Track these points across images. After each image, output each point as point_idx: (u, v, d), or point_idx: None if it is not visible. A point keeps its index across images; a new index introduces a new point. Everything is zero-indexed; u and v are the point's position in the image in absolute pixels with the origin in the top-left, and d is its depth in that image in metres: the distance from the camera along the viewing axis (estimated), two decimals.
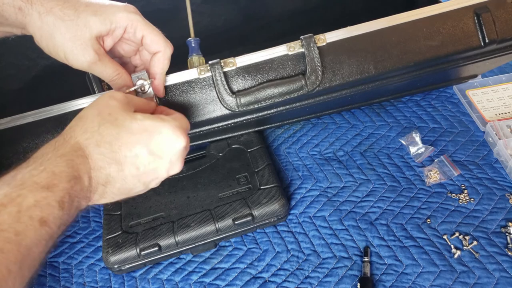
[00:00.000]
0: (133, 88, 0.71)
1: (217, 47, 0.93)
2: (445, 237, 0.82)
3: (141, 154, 0.60)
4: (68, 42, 0.63)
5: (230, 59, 0.77)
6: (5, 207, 0.48)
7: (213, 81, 0.77)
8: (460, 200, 0.87)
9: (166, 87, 0.76)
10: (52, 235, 0.51)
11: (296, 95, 0.79)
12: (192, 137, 0.87)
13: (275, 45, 0.79)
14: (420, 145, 0.96)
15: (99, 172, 0.57)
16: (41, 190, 0.50)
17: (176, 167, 0.65)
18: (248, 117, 0.85)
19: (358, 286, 0.78)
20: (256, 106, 0.79)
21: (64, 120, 0.77)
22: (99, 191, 0.58)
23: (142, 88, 0.72)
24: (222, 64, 0.77)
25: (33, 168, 0.52)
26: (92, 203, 0.59)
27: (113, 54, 0.73)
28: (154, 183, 0.65)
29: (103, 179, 0.58)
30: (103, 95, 0.63)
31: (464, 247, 0.81)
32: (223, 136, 0.97)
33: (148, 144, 0.60)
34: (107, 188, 0.59)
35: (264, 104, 0.79)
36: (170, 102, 0.78)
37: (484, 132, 0.98)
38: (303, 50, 0.77)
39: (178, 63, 0.77)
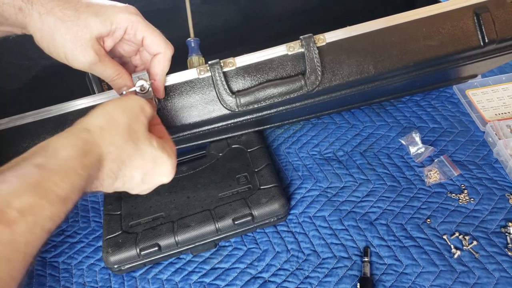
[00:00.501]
0: (133, 89, 0.71)
1: (217, 47, 0.93)
2: (445, 237, 0.82)
3: (136, 177, 0.61)
4: (68, 43, 0.63)
5: (230, 59, 0.78)
6: (24, 217, 0.47)
7: (212, 81, 0.77)
8: (460, 200, 0.87)
9: (166, 87, 0.77)
10: (47, 239, 0.51)
11: (295, 95, 0.79)
12: (192, 137, 0.87)
13: (275, 45, 0.79)
14: (420, 145, 0.96)
15: (98, 182, 0.58)
16: (58, 202, 0.50)
17: (146, 191, 0.67)
18: (248, 117, 0.85)
19: (358, 286, 0.78)
20: (255, 106, 0.79)
21: (64, 120, 0.77)
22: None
23: (142, 89, 0.72)
24: (222, 64, 0.77)
25: (60, 179, 0.51)
26: None
27: (113, 54, 0.73)
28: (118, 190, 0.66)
29: (95, 187, 0.58)
30: (135, 101, 0.63)
31: (464, 247, 0.81)
32: (223, 136, 0.97)
33: (146, 173, 0.62)
34: (92, 191, 0.59)
35: (263, 104, 0.79)
36: (170, 102, 0.78)
37: (484, 132, 0.98)
38: (302, 50, 0.77)
39: (178, 63, 0.77)
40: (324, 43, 0.78)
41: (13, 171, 0.49)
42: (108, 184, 0.59)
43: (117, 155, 0.58)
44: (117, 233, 0.84)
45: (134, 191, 0.64)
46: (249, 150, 0.95)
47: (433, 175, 0.91)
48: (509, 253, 0.79)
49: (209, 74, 0.78)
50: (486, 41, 0.79)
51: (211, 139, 0.97)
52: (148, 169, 0.62)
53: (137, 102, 0.63)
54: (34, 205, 0.48)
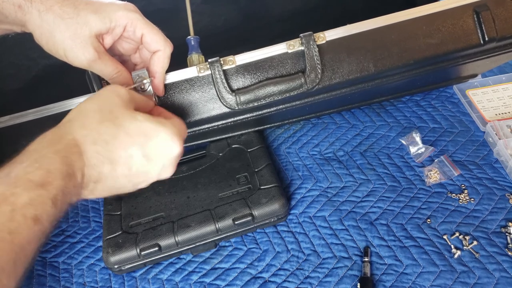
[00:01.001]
0: (132, 86, 0.71)
1: (217, 47, 0.93)
2: (445, 237, 0.82)
3: (135, 155, 0.60)
4: (67, 40, 0.63)
5: (230, 57, 0.78)
6: None
7: (212, 79, 0.78)
8: (460, 200, 0.87)
9: (165, 85, 0.77)
10: (44, 231, 0.51)
11: (295, 93, 0.79)
12: (191, 136, 0.87)
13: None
14: (420, 145, 0.95)
15: (92, 169, 0.57)
16: (35, 188, 0.50)
17: (167, 172, 0.65)
18: (248, 115, 0.85)
19: (358, 286, 0.78)
20: (255, 104, 0.79)
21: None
22: (89, 188, 0.58)
23: (142, 86, 0.72)
24: (222, 62, 0.77)
25: (28, 165, 0.52)
26: (81, 198, 0.59)
27: (112, 52, 0.73)
28: (143, 185, 0.65)
29: (95, 177, 0.58)
30: (106, 89, 0.63)
31: (464, 247, 0.80)
32: (223, 136, 0.97)
33: (144, 147, 0.60)
34: (97, 185, 0.59)
35: (263, 102, 0.79)
36: (169, 100, 0.78)
37: (484, 132, 0.98)
38: (302, 48, 0.77)
39: (178, 62, 0.77)
40: (324, 41, 0.78)
41: None
42: (108, 170, 0.59)
43: (95, 136, 0.57)
44: (117, 233, 0.84)
45: (151, 174, 0.63)
46: (249, 150, 0.95)
47: (433, 175, 0.91)
48: (509, 253, 0.79)
49: (209, 72, 0.78)
50: (486, 39, 0.79)
51: (211, 139, 0.97)
52: (142, 143, 0.60)
53: (109, 88, 0.63)
54: (5, 193, 0.48)
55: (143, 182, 0.64)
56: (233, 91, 0.78)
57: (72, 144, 0.56)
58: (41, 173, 0.51)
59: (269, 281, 0.82)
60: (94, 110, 0.60)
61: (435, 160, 0.93)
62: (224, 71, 0.77)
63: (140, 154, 0.60)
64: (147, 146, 0.61)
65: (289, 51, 0.78)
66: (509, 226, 0.82)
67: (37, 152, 0.54)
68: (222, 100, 0.78)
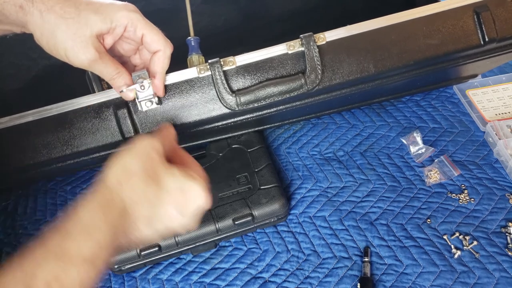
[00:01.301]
0: (133, 87, 0.71)
1: (217, 47, 0.93)
2: (445, 237, 0.82)
3: (172, 213, 0.60)
4: (68, 40, 0.63)
5: (230, 58, 0.78)
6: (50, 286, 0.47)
7: (212, 80, 0.77)
8: (460, 200, 0.87)
9: (166, 86, 0.76)
10: None
11: (296, 94, 0.79)
12: (192, 137, 0.87)
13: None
14: (421, 145, 0.95)
15: (135, 232, 0.58)
16: (85, 264, 0.50)
17: (193, 225, 0.64)
18: (248, 116, 0.85)
19: (358, 286, 0.78)
20: (256, 105, 0.79)
21: (64, 118, 0.77)
22: None
23: (142, 87, 0.72)
24: (222, 63, 0.77)
25: (83, 240, 0.51)
26: None
27: (113, 53, 0.73)
28: (167, 236, 0.66)
29: (130, 236, 0.58)
30: (145, 144, 0.62)
31: (464, 247, 0.80)
32: (223, 136, 0.97)
33: (181, 204, 0.60)
34: (129, 242, 0.59)
35: (264, 103, 0.79)
36: (170, 101, 0.78)
37: (484, 132, 0.98)
38: (302, 49, 0.77)
39: (178, 63, 0.77)
40: (324, 42, 0.78)
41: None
42: (144, 228, 0.58)
43: (142, 200, 0.57)
44: None
45: (179, 229, 0.63)
46: (249, 150, 0.94)
47: (433, 175, 0.91)
48: (509, 253, 0.79)
49: (209, 73, 0.78)
50: (486, 39, 0.79)
51: (211, 139, 0.97)
52: (179, 200, 0.60)
53: (146, 142, 0.62)
54: (60, 272, 0.48)
55: (168, 234, 0.64)
56: (233, 92, 0.78)
57: (123, 213, 0.56)
58: (94, 250, 0.51)
59: (269, 281, 0.82)
60: (140, 170, 0.58)
61: (435, 160, 0.93)
62: (224, 72, 0.77)
63: (176, 212, 0.60)
64: (182, 203, 0.61)
65: (289, 52, 0.78)
66: (509, 226, 0.82)
67: (92, 225, 0.53)
68: (222, 101, 0.78)
